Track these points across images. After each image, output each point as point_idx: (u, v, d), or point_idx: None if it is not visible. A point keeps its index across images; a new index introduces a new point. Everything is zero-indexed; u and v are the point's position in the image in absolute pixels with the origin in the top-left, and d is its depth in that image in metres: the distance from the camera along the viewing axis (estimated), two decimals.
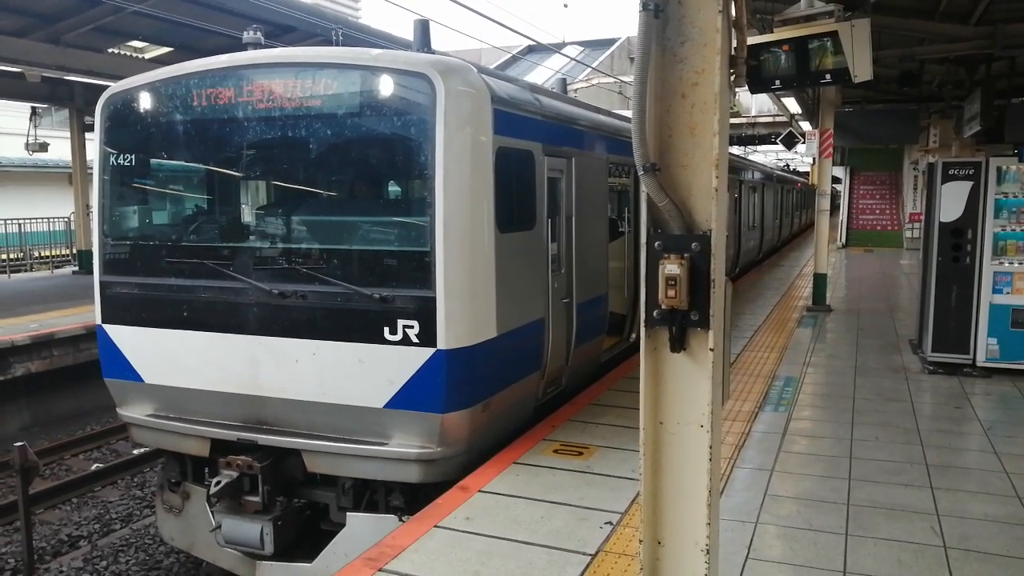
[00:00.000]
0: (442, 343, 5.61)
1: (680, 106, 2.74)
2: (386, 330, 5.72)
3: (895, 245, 26.53)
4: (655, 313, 2.76)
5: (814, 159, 15.88)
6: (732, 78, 2.89)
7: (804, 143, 17.39)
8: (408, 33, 7.31)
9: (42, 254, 24.98)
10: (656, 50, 2.72)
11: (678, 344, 2.75)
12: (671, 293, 2.67)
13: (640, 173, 2.70)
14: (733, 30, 2.91)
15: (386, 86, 5.75)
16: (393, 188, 6.74)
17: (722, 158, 2.72)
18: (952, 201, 8.83)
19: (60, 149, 24.87)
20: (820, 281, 13.88)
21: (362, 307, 5.78)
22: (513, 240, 6.34)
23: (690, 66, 2.72)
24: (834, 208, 30.78)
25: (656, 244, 2.75)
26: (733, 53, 2.86)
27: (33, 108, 21.33)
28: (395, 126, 5.91)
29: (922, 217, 10.93)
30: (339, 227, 6.37)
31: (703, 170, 2.72)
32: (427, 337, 5.63)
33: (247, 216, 6.83)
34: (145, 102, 6.54)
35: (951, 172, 8.84)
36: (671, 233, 2.75)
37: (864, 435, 6.82)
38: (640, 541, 2.89)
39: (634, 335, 9.98)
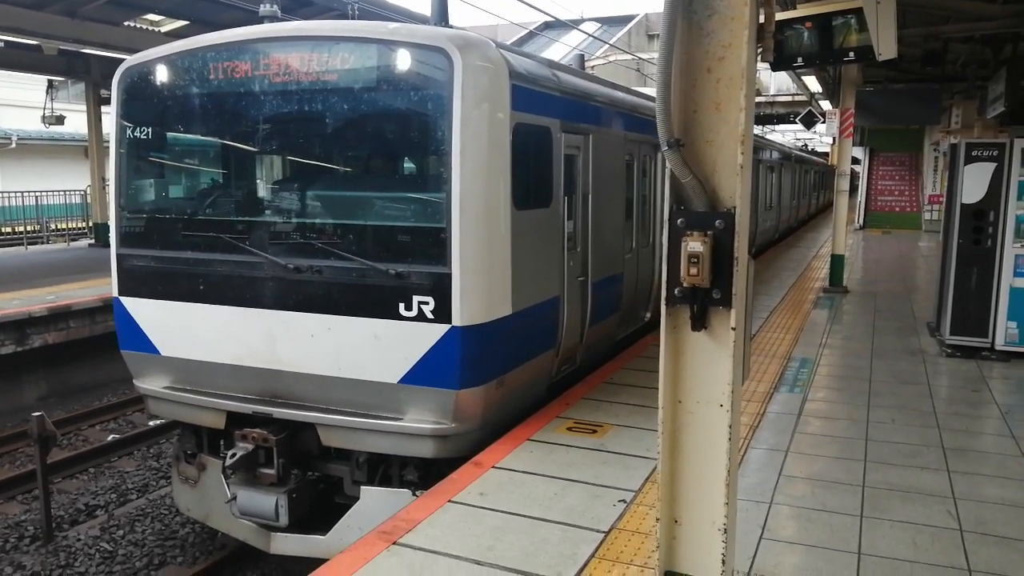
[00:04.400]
0: (457, 319, 5.60)
1: (706, 81, 2.70)
2: (401, 306, 5.72)
3: (913, 227, 26.25)
4: (676, 291, 2.73)
5: (834, 139, 15.68)
6: (759, 52, 2.83)
7: (823, 123, 17.16)
8: (426, 9, 7.23)
9: (58, 227, 25.12)
10: (682, 23, 2.67)
11: (699, 323, 2.72)
12: (693, 271, 2.63)
13: (664, 149, 2.66)
14: (761, 4, 2.84)
15: (403, 60, 5.69)
16: (409, 164, 6.70)
17: (748, 134, 2.67)
18: (975, 182, 8.70)
19: (76, 122, 24.93)
20: (837, 262, 13.76)
21: (377, 283, 5.77)
22: (529, 217, 6.31)
23: (717, 40, 2.67)
24: (853, 189, 30.51)
25: (679, 221, 2.72)
26: (760, 26, 2.80)
27: (50, 81, 21.41)
28: (412, 101, 5.86)
29: (943, 198, 10.78)
30: (355, 202, 6.35)
31: (728, 146, 2.68)
32: (442, 313, 5.62)
33: (263, 190, 6.82)
34: (162, 75, 6.52)
35: (974, 153, 8.70)
36: (694, 210, 2.71)
37: (880, 417, 6.78)
38: (657, 519, 2.88)
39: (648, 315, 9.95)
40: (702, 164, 2.70)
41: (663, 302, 2.78)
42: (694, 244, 2.62)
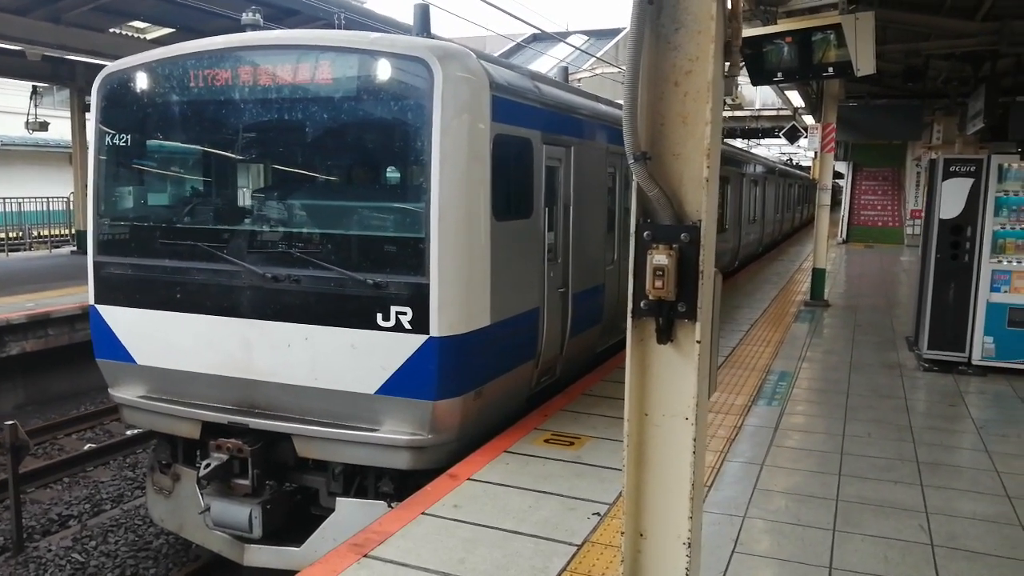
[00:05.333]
0: (435, 330, 5.58)
1: (673, 94, 2.70)
2: (379, 316, 5.70)
3: (896, 242, 26.45)
4: (642, 304, 2.73)
5: (816, 153, 15.80)
6: (727, 67, 2.85)
7: (806, 137, 17.30)
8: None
9: (40, 233, 24.92)
10: (649, 36, 2.68)
11: (665, 335, 2.73)
12: (658, 284, 2.63)
13: (630, 162, 2.67)
14: (729, 18, 2.86)
15: (383, 70, 5.70)
16: (389, 173, 6.69)
17: (714, 148, 2.69)
18: (952, 198, 8.78)
19: (61, 128, 24.80)
20: (819, 276, 13.84)
21: (355, 292, 5.75)
22: (509, 228, 6.31)
23: (684, 53, 2.68)
24: (836, 203, 30.73)
25: (645, 234, 2.72)
26: (728, 41, 2.82)
27: (34, 87, 21.28)
28: (392, 111, 5.87)
29: (922, 214, 10.88)
30: (333, 211, 6.33)
31: (695, 159, 2.68)
32: (420, 324, 5.60)
33: (241, 199, 6.80)
34: (142, 82, 6.49)
35: (952, 169, 8.79)
36: (660, 223, 2.71)
37: (857, 431, 6.81)
38: (621, 533, 2.87)
39: None
40: (668, 177, 2.71)
41: (628, 314, 2.78)
42: (659, 257, 2.63)
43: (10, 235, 23.40)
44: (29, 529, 7.99)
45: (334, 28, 11.00)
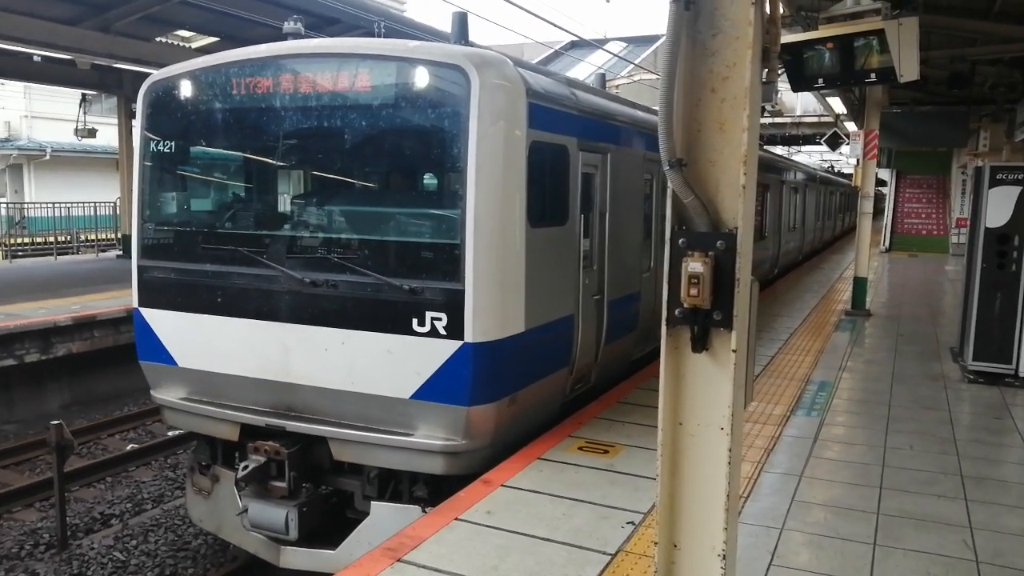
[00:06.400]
0: (469, 336, 5.60)
1: (710, 100, 2.68)
2: (414, 321, 5.73)
3: (940, 251, 25.89)
4: (677, 312, 2.71)
5: (858, 160, 15.54)
6: (765, 73, 2.82)
7: (848, 144, 17.02)
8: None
9: (88, 237, 25.53)
10: (686, 42, 2.67)
11: (700, 344, 2.70)
12: (693, 292, 2.61)
13: (666, 168, 2.65)
14: (768, 24, 2.83)
15: (421, 78, 5.75)
16: (426, 180, 6.74)
17: (751, 155, 2.66)
18: (999, 206, 8.57)
19: (108, 135, 25.39)
20: (860, 285, 13.60)
21: (391, 298, 5.79)
22: (544, 235, 6.31)
23: (721, 60, 2.66)
24: (879, 211, 30.19)
25: (680, 241, 2.70)
26: (766, 47, 2.79)
27: (83, 95, 21.82)
28: (429, 118, 5.91)
29: (968, 222, 10.64)
30: (371, 217, 6.39)
31: (731, 167, 2.66)
32: (455, 330, 5.62)
33: (281, 205, 6.90)
34: (185, 90, 6.62)
35: (999, 176, 8.58)
36: (696, 230, 2.69)
37: (898, 443, 6.67)
38: (655, 543, 2.84)
39: None
40: (705, 184, 2.69)
41: (663, 323, 2.76)
42: (695, 264, 2.61)
43: (59, 239, 24.03)
44: (73, 527, 8.17)
45: (374, 36, 11.10)
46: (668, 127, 2.62)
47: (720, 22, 2.65)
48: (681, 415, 2.79)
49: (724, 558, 2.74)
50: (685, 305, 2.67)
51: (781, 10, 2.94)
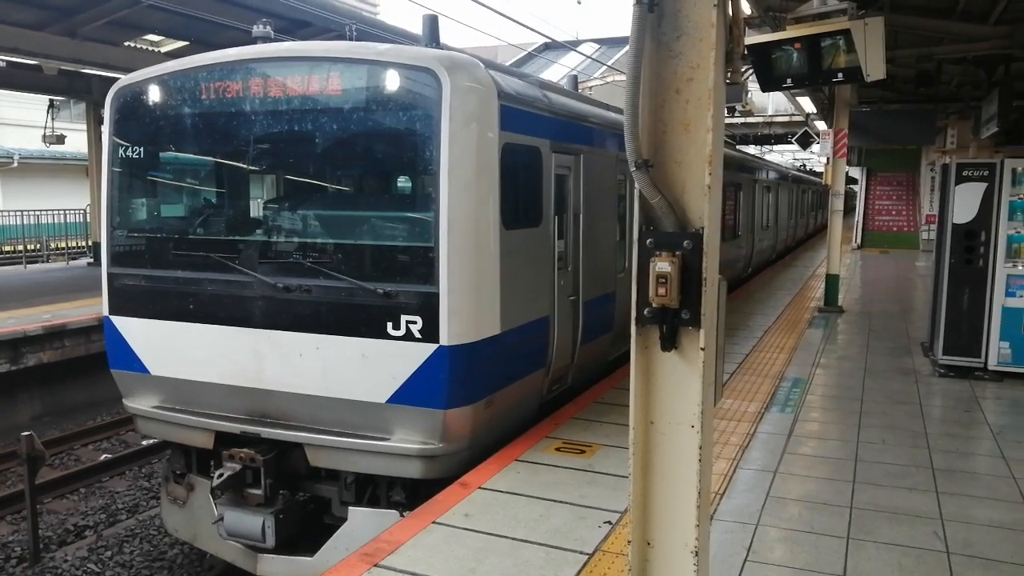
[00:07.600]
0: (445, 339, 5.60)
1: (674, 102, 2.71)
2: (389, 325, 5.72)
3: (911, 247, 26.26)
4: (646, 311, 2.73)
5: (828, 159, 15.73)
6: (728, 74, 2.85)
7: (819, 143, 17.22)
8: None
9: (58, 245, 25.18)
10: (651, 44, 2.69)
11: (668, 343, 2.72)
12: (661, 291, 2.63)
13: (632, 169, 2.67)
14: (731, 25, 2.87)
15: (392, 81, 5.74)
16: (398, 183, 6.72)
17: (716, 155, 2.69)
18: (966, 202, 8.72)
19: (77, 141, 25.09)
20: (832, 282, 13.76)
21: (365, 302, 5.78)
22: (518, 237, 6.32)
23: (685, 61, 2.68)
24: (850, 209, 30.57)
25: (648, 241, 2.72)
26: (730, 48, 2.82)
27: (51, 100, 21.53)
28: (401, 121, 5.90)
29: (936, 218, 10.81)
30: (343, 221, 6.37)
31: (697, 167, 2.69)
32: (430, 333, 5.62)
33: (253, 210, 6.85)
34: (154, 95, 6.56)
35: (965, 173, 8.72)
36: (663, 231, 2.71)
37: (871, 437, 6.75)
38: (628, 542, 2.86)
39: None
40: (671, 185, 2.72)
41: (632, 322, 2.78)
42: (662, 264, 2.63)
43: (28, 247, 23.68)
44: (46, 539, 8.05)
45: (345, 40, 11.07)
46: (634, 128, 2.65)
47: (683, 24, 2.68)
48: (652, 414, 2.81)
49: (697, 555, 2.76)
50: (654, 305, 2.70)
51: (747, 11, 2.97)
